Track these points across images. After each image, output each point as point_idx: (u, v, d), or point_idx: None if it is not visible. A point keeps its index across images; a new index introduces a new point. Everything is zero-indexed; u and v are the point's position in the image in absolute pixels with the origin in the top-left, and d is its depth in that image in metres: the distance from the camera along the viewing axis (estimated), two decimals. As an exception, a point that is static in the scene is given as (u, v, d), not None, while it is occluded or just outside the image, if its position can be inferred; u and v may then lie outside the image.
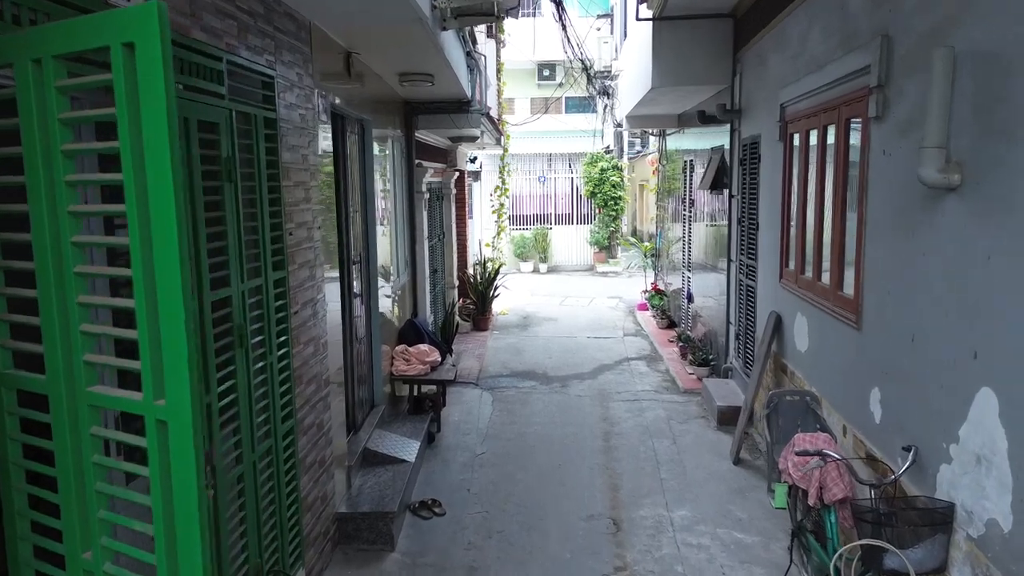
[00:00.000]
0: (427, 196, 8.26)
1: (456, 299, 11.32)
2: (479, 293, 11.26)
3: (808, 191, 5.04)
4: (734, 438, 6.03)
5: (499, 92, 11.62)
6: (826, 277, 4.63)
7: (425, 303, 8.09)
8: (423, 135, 8.38)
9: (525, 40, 17.56)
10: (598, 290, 15.75)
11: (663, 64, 7.57)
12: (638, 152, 24.65)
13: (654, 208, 25.16)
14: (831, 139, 4.54)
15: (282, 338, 3.51)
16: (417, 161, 7.95)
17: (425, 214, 8.21)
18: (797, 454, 3.42)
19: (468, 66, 7.37)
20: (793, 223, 5.43)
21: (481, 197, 17.20)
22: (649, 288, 13.12)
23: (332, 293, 4.46)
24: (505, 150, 12.19)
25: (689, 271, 10.09)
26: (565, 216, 19.47)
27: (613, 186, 18.54)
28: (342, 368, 4.65)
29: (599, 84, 11.33)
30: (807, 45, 5.03)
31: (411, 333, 6.82)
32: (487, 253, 12.72)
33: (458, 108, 7.67)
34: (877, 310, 3.75)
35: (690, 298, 9.95)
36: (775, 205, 5.83)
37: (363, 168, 5.70)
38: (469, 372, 8.69)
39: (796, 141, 5.35)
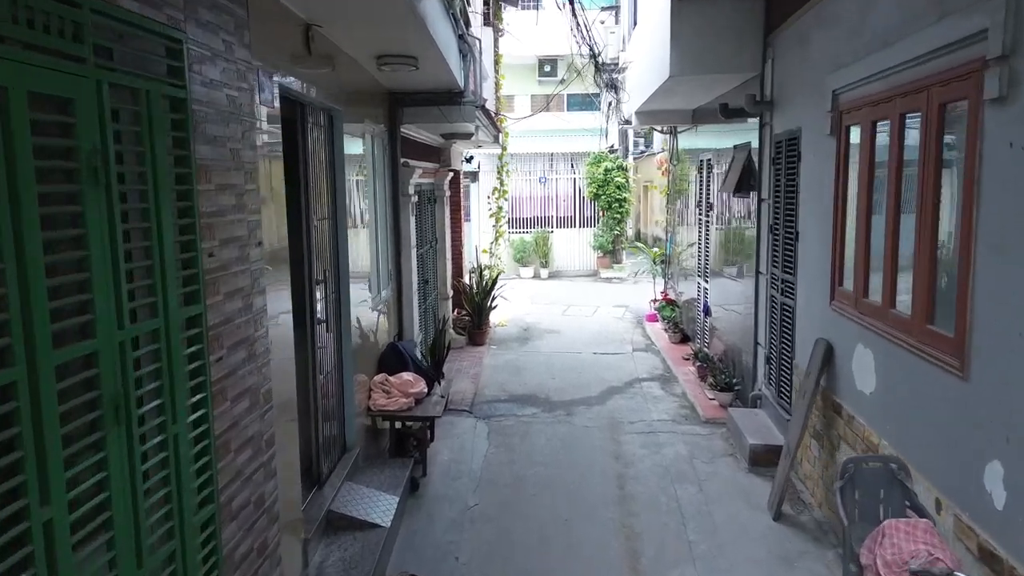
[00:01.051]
0: (415, 199, 7.34)
1: (450, 311, 10.39)
2: (475, 305, 10.33)
3: (873, 195, 4.10)
4: (773, 487, 5.10)
5: (497, 86, 10.70)
6: (903, 304, 3.70)
7: (412, 320, 7.16)
8: (410, 131, 7.45)
9: (526, 33, 16.65)
10: (603, 298, 14.82)
11: (683, 49, 6.64)
12: (642, 152, 23.77)
13: (659, 211, 24.25)
14: (912, 130, 3.60)
15: (197, 397, 2.57)
16: (403, 160, 7.02)
17: (413, 219, 7.28)
18: (913, 573, 2.49)
19: (460, 51, 6.44)
20: (850, 234, 4.49)
21: (479, 199, 16.26)
22: (659, 297, 12.19)
23: (282, 324, 3.53)
24: (503, 149, 11.26)
25: (705, 281, 9.16)
26: (567, 219, 18.55)
27: (618, 187, 17.61)
28: (295, 419, 3.72)
29: (606, 77, 10.38)
30: (870, 17, 4.10)
31: (393, 359, 5.88)
32: (484, 260, 11.79)
33: (449, 100, 6.74)
34: (996, 355, 2.82)
35: (707, 311, 9.01)
36: (824, 211, 4.90)
37: (332, 168, 4.76)
38: (462, 397, 7.75)
39: (855, 135, 4.42)
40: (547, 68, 19.30)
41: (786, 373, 5.89)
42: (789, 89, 5.86)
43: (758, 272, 6.74)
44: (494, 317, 11.59)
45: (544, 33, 16.32)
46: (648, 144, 25.69)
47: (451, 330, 10.25)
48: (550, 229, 18.35)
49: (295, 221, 4.23)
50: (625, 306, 13.83)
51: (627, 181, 17.81)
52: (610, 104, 18.49)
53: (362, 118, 5.55)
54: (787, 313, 5.84)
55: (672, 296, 11.81)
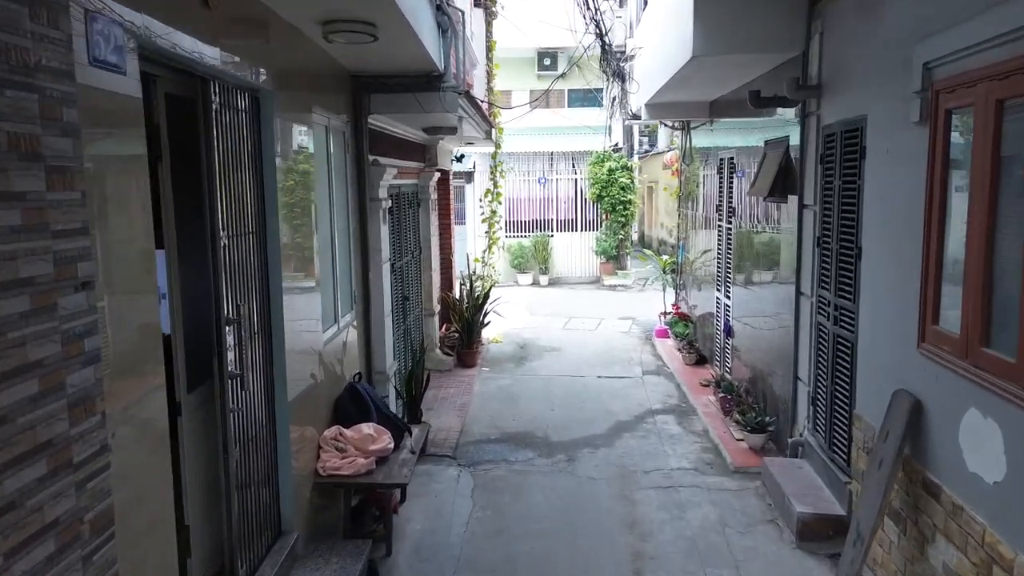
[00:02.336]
0: (388, 204, 6.17)
1: (437, 329, 9.23)
2: (465, 322, 9.16)
3: (998, 204, 2.94)
4: (836, 581, 3.94)
5: (490, 75, 9.55)
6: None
7: (385, 348, 6.00)
8: (383, 123, 6.29)
9: (524, 22, 15.49)
10: (607, 308, 13.66)
11: (708, 25, 5.47)
12: (646, 152, 22.61)
13: (665, 213, 23.06)
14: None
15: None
16: (373, 158, 5.86)
17: (385, 228, 6.12)
18: None
19: (439, 25, 5.29)
20: (952, 256, 3.33)
21: (474, 201, 15.12)
22: (670, 310, 11.03)
23: (147, 401, 2.38)
24: (497, 146, 10.11)
25: (726, 296, 8.00)
26: (568, 222, 17.38)
27: (622, 188, 16.44)
28: (171, 539, 2.56)
29: (613, 64, 9.21)
30: (990, -43, 2.94)
31: (352, 406, 4.72)
32: (477, 269, 10.62)
33: (426, 85, 5.58)
34: None
35: (728, 331, 7.85)
36: (905, 224, 3.74)
37: (257, 168, 3.61)
38: (446, 436, 6.59)
39: (962, 121, 3.26)
40: (547, 61, 18.13)
41: (841, 422, 4.73)
42: (847, 69, 4.70)
43: (799, 292, 5.58)
44: (488, 332, 10.45)
45: (544, 23, 15.15)
46: (653, 143, 24.58)
47: (438, 350, 9.10)
48: (550, 233, 17.19)
49: (193, 241, 3.08)
50: (631, 318, 12.67)
51: (632, 182, 16.64)
52: (614, 100, 17.34)
53: (310, 105, 4.39)
54: (843, 348, 4.68)
55: (685, 309, 10.65)
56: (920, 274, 3.54)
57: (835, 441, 4.83)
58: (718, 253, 8.42)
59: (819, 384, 5.14)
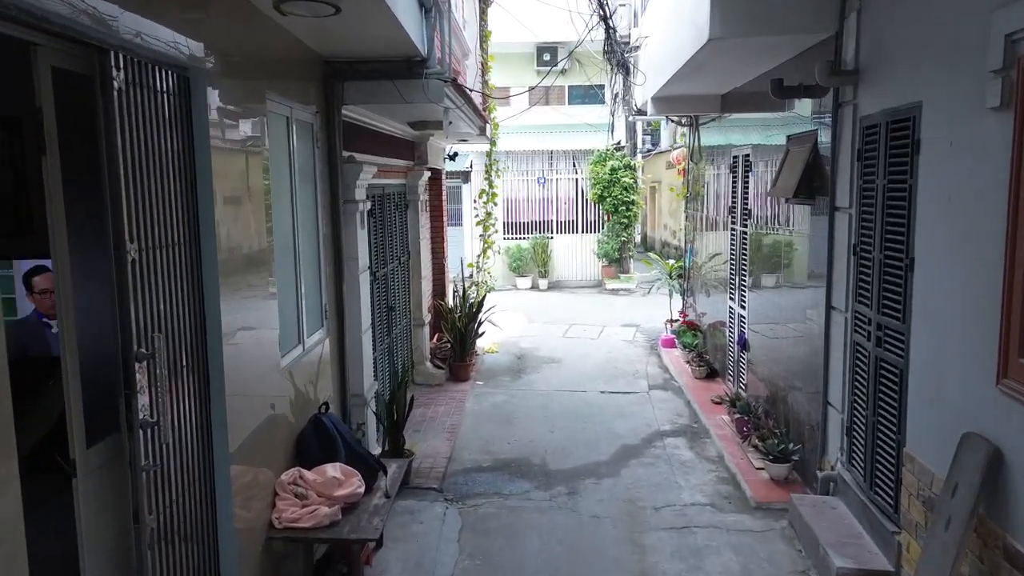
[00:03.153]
0: (367, 206, 5.50)
1: (427, 339, 8.56)
2: (457, 333, 8.50)
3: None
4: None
5: (484, 67, 8.89)
6: None
7: (363, 369, 5.34)
8: (360, 115, 5.64)
9: (523, 14, 14.83)
10: (610, 314, 13.00)
11: (727, 2, 4.81)
12: (649, 151, 21.93)
13: (669, 214, 22.37)
14: None
15: None
16: (348, 154, 5.21)
17: (364, 232, 5.46)
18: None
19: (420, 2, 4.63)
20: (1048, 273, 2.67)
21: (471, 202, 14.47)
22: (677, 318, 10.37)
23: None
24: (492, 143, 9.45)
25: (740, 305, 7.34)
26: (568, 223, 16.71)
27: (625, 189, 15.77)
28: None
29: (618, 54, 8.54)
30: None
31: (315, 443, 4.06)
32: (472, 275, 9.96)
33: (407, 71, 4.92)
34: None
35: (743, 344, 7.19)
36: (981, 230, 3.08)
37: (187, 165, 2.95)
38: (432, 465, 5.93)
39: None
40: (546, 56, 17.45)
41: (886, 459, 4.07)
42: (893, 49, 4.04)
43: (829, 306, 4.92)
44: (483, 341, 9.79)
45: (544, 6, 14.46)
46: (656, 142, 23.88)
47: (428, 363, 8.44)
48: (550, 235, 16.53)
49: (101, 254, 2.43)
50: (635, 325, 12.01)
51: (635, 182, 15.98)
52: (616, 97, 16.67)
53: (265, 92, 3.73)
54: (889, 374, 4.02)
55: (693, 317, 9.99)
56: (1002, 294, 2.87)
57: (878, 481, 4.17)
58: (731, 258, 7.76)
59: (857, 412, 4.48)
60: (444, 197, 10.00)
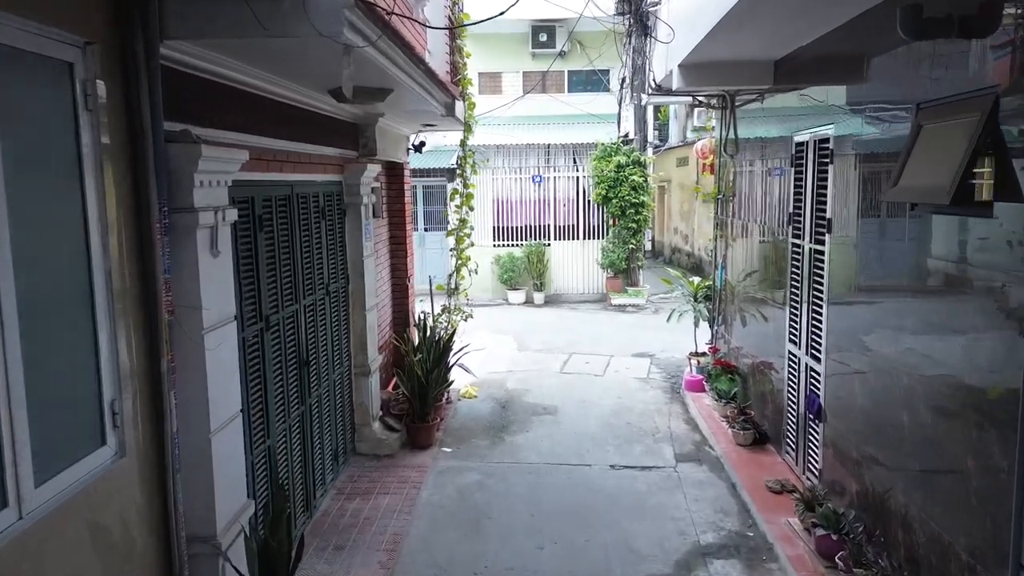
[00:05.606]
0: (227, 217, 3.29)
1: (377, 389, 6.34)
2: (417, 383, 6.29)
3: None
4: None
5: (452, 20, 6.66)
6: None
7: (212, 495, 3.14)
8: (219, 64, 3.40)
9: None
10: (616, 339, 10.79)
11: None
12: (657, 147, 19.72)
13: (679, 217, 20.12)
14: None
15: None
16: (180, 127, 3.01)
17: (220, 262, 3.26)
18: None
19: None
20: None
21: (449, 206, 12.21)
22: (704, 350, 8.19)
23: None
24: (467, 128, 7.21)
25: (813, 355, 5.15)
26: (568, 228, 14.50)
27: (634, 188, 13.55)
28: None
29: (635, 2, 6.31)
30: None
31: None
32: (439, 301, 7.71)
33: (270, -25, 2.72)
34: None
35: (818, 412, 4.99)
36: None
37: None
38: (347, 629, 3.73)
39: None
40: (543, 37, 15.23)
41: None
42: None
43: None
44: (458, 382, 7.61)
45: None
46: (663, 139, 21.65)
47: (376, 425, 6.24)
48: (546, 242, 14.34)
49: None
50: (649, 355, 9.81)
51: (645, 180, 13.76)
52: (623, 82, 14.47)
53: None
54: None
55: (726, 352, 7.79)
56: None
57: None
58: (792, 285, 5.56)
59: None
60: (408, 199, 7.81)
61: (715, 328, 8.38)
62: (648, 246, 14.97)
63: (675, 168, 20.73)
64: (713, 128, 9.16)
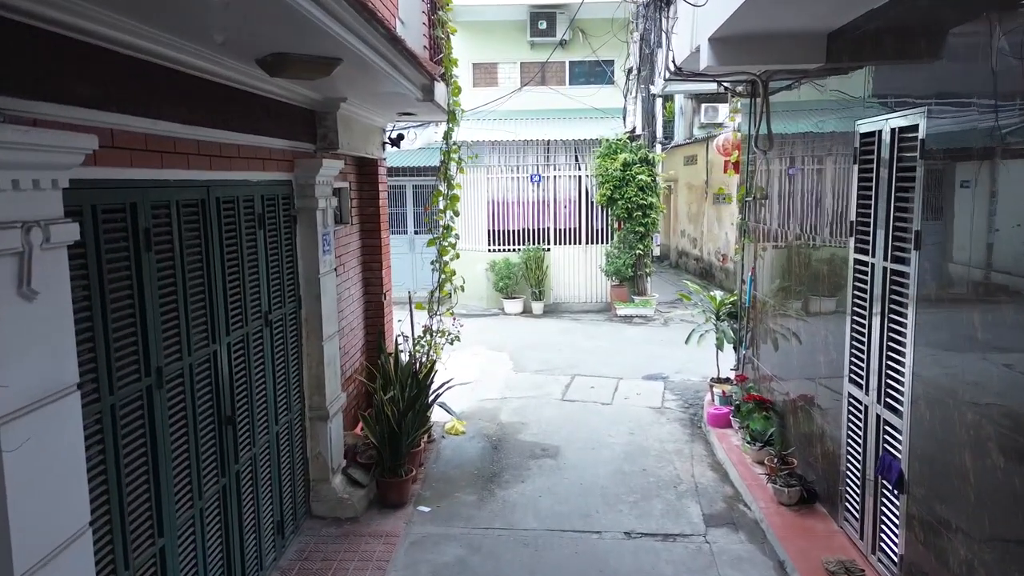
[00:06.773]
0: (73, 232, 2.16)
1: (340, 434, 5.18)
2: (387, 428, 5.13)
3: None
4: None
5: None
6: None
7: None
8: (55, 5, 2.25)
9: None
10: (624, 356, 9.65)
11: None
12: (663, 145, 18.57)
13: (687, 219, 18.91)
14: None
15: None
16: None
17: (40, 307, 2.12)
18: None
19: None
20: None
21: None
22: (730, 377, 7.06)
23: None
24: (451, 117, 6.03)
25: (884, 403, 4.01)
26: (569, 232, 13.36)
27: (641, 189, 12.41)
28: None
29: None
30: None
31: None
32: (420, 323, 6.54)
33: None
34: None
35: (899, 481, 3.85)
36: None
37: None
38: None
39: None
40: (542, 24, 14.07)
41: None
42: None
43: None
44: (440, 423, 6.45)
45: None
46: (668, 135, 20.49)
47: (338, 479, 5.08)
48: (546, 246, 13.19)
49: None
50: (663, 377, 8.68)
51: (654, 180, 12.62)
52: (629, 72, 13.35)
53: None
54: None
55: (753, 379, 6.65)
56: None
57: None
58: (857, 315, 4.41)
59: None
60: (383, 202, 6.65)
61: (742, 352, 7.23)
62: (656, 251, 13.77)
63: (682, 167, 19.57)
64: (729, 122, 8.02)
